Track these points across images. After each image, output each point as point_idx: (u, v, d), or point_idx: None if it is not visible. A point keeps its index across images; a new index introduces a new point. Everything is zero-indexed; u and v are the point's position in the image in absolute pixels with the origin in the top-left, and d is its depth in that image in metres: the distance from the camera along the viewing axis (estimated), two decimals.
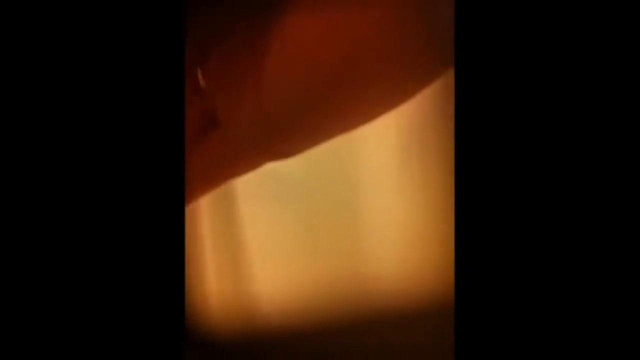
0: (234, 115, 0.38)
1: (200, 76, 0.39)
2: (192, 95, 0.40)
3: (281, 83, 0.36)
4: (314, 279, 0.57)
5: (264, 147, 0.38)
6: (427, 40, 0.35)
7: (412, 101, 0.36)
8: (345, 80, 0.35)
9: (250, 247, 0.56)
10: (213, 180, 0.40)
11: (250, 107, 0.37)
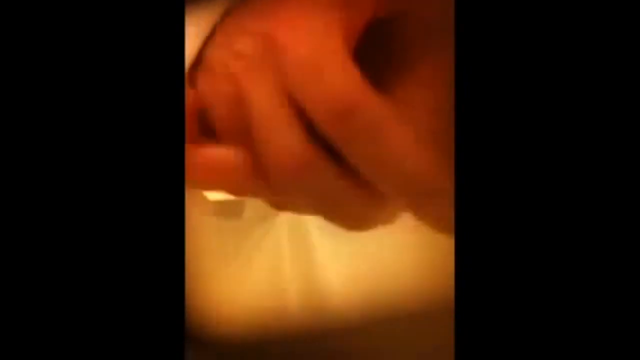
0: None
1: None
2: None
3: None
4: (314, 279, 0.57)
5: None
6: None
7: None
8: None
9: (253, 249, 0.56)
10: None
11: None
